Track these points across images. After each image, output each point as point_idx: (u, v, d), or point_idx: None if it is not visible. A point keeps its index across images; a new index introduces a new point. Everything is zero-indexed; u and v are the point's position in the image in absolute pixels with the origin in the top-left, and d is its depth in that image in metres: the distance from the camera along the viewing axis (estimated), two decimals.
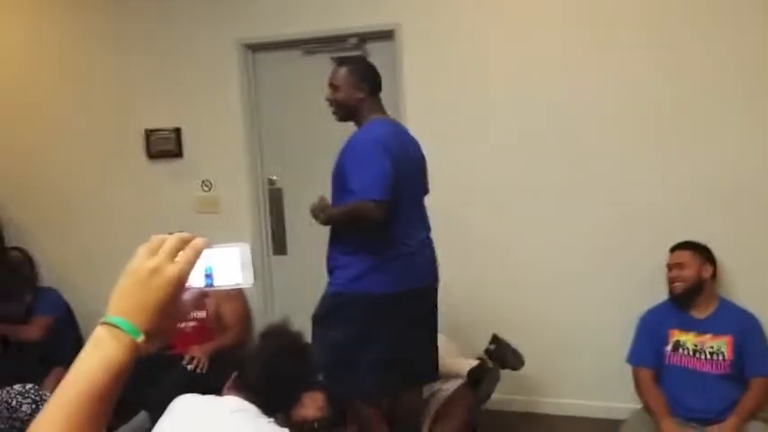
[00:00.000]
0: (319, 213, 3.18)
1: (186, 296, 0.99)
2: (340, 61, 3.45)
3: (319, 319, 3.24)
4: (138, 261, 0.96)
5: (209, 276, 1.02)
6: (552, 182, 4.11)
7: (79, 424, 0.86)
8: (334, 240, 3.26)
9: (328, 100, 3.27)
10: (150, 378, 3.55)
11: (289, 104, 4.69)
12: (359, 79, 3.23)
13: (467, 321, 4.18)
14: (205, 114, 4.74)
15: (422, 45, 4.24)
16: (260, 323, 4.71)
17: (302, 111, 4.65)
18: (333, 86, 3.25)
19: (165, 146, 4.84)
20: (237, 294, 4.40)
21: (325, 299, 3.25)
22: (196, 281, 1.00)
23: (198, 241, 0.99)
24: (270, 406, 2.12)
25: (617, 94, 3.96)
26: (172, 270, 0.95)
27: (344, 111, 3.26)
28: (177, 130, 4.81)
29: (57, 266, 5.02)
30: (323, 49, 4.51)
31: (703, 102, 3.82)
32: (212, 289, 1.03)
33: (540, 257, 4.15)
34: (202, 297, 1.04)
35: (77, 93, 5.04)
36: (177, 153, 4.83)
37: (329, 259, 3.26)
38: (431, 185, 3.45)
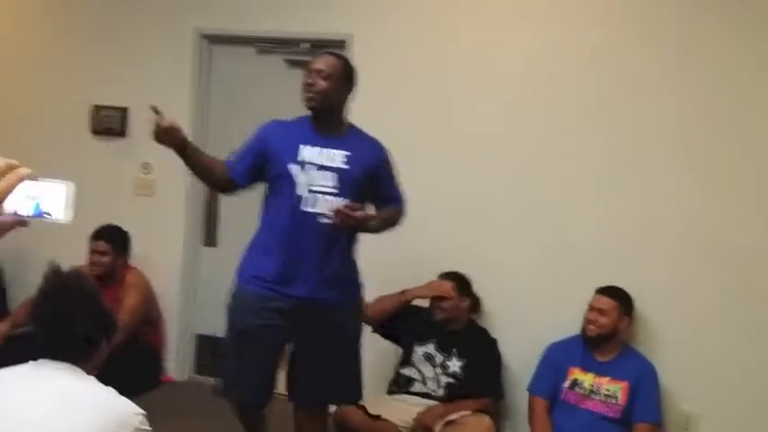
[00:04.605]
0: (371, 220, 3.03)
1: (4, 218, 1.02)
2: (330, 52, 3.26)
3: (356, 338, 3.25)
4: None
5: (38, 208, 1.06)
6: (498, 203, 4.17)
7: None
8: (349, 251, 3.15)
9: (310, 84, 3.01)
10: None
11: (238, 100, 4.73)
12: (348, 78, 3.11)
13: None
14: (154, 97, 4.71)
15: (372, 58, 4.30)
16: (181, 314, 4.76)
17: (251, 108, 4.68)
18: (321, 72, 3.00)
19: (110, 124, 4.85)
20: (140, 286, 4.37)
21: (356, 312, 3.24)
22: (22, 208, 1.04)
23: (22, 170, 1.01)
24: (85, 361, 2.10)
25: (570, 125, 4.05)
26: None
27: (325, 103, 3.03)
28: (124, 110, 4.82)
29: None
30: (276, 50, 4.57)
31: (645, 150, 3.93)
32: (30, 217, 1.06)
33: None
34: (19, 222, 1.07)
35: (27, 65, 5.04)
36: (121, 132, 4.84)
37: (344, 274, 3.12)
38: None
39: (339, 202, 2.92)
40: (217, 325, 4.76)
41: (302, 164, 2.97)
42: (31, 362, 2.09)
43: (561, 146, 4.05)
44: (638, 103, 3.94)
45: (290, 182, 2.97)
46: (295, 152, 2.98)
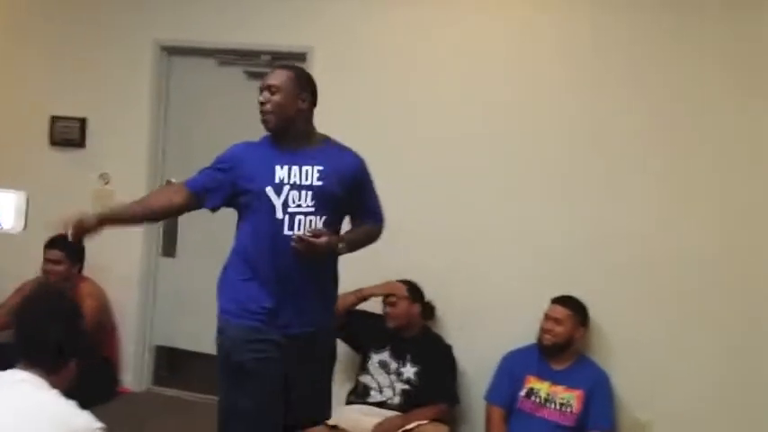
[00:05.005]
0: (337, 244, 2.84)
1: None
2: (280, 65, 3.08)
3: (333, 357, 3.14)
4: None
5: None
6: (454, 213, 4.20)
7: None
8: (335, 272, 3.02)
9: (262, 103, 2.84)
10: None
11: (198, 111, 4.74)
12: (302, 88, 2.88)
13: None
14: (113, 108, 4.76)
15: (333, 71, 4.33)
16: (139, 325, 4.75)
17: (211, 119, 4.70)
18: (272, 88, 2.83)
19: (68, 134, 4.83)
20: (94, 295, 4.39)
21: (330, 336, 3.10)
22: None
23: None
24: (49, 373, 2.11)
25: (528, 134, 4.10)
26: None
27: (281, 118, 2.83)
28: (83, 120, 4.81)
29: None
30: (237, 62, 4.58)
31: (604, 160, 3.99)
32: None
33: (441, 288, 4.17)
34: None
35: None
36: (80, 143, 4.83)
37: (327, 298, 3.01)
38: None
39: (318, 222, 2.78)
40: (175, 336, 4.80)
41: (278, 185, 2.79)
42: None
43: (519, 156, 4.10)
44: (599, 111, 3.98)
45: (267, 206, 2.78)
46: (271, 174, 2.80)
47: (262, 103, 2.85)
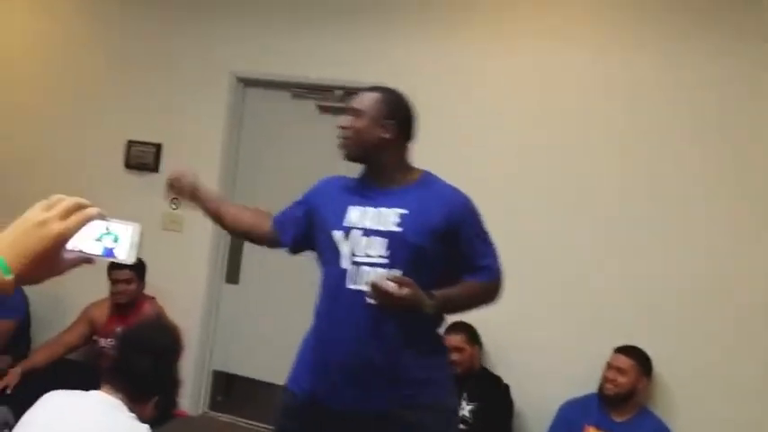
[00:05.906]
0: (424, 299, 2.28)
1: (68, 255, 1.05)
2: (376, 86, 2.58)
3: None
4: (31, 212, 1.02)
5: (106, 248, 1.07)
6: (519, 256, 4.10)
7: None
8: (407, 341, 2.38)
9: (342, 128, 2.46)
10: None
11: (270, 142, 4.82)
12: (388, 114, 2.43)
13: None
14: (188, 135, 4.88)
15: None
16: (199, 349, 4.80)
17: (282, 150, 4.77)
18: (354, 111, 2.44)
19: (143, 159, 4.96)
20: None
21: (417, 423, 2.37)
22: (88, 246, 1.07)
23: (91, 210, 1.05)
24: (131, 401, 2.14)
25: (588, 177, 4.08)
26: (57, 227, 1.01)
27: (359, 146, 2.44)
28: (158, 146, 4.94)
29: None
30: (310, 95, 4.65)
31: (665, 207, 3.93)
32: (97, 256, 1.08)
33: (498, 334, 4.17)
34: (84, 259, 1.08)
35: (68, 98, 5.23)
36: (154, 168, 4.95)
37: (402, 370, 2.38)
38: None
39: (388, 275, 2.27)
40: (233, 362, 4.84)
41: (347, 229, 2.38)
42: (80, 391, 2.17)
43: (580, 198, 4.07)
44: (657, 159, 3.95)
45: (334, 253, 2.38)
46: (341, 216, 2.41)
47: (341, 128, 2.48)
